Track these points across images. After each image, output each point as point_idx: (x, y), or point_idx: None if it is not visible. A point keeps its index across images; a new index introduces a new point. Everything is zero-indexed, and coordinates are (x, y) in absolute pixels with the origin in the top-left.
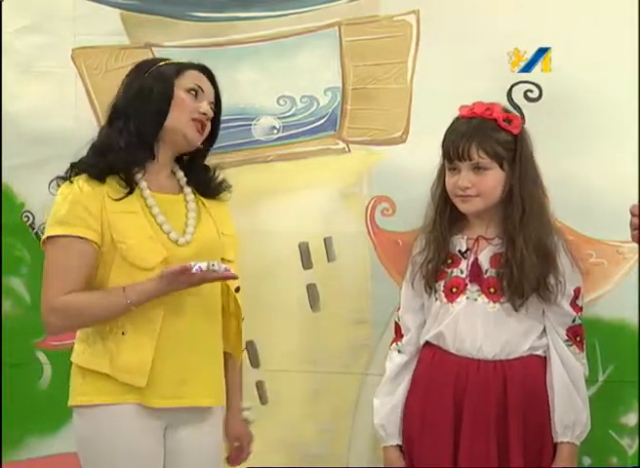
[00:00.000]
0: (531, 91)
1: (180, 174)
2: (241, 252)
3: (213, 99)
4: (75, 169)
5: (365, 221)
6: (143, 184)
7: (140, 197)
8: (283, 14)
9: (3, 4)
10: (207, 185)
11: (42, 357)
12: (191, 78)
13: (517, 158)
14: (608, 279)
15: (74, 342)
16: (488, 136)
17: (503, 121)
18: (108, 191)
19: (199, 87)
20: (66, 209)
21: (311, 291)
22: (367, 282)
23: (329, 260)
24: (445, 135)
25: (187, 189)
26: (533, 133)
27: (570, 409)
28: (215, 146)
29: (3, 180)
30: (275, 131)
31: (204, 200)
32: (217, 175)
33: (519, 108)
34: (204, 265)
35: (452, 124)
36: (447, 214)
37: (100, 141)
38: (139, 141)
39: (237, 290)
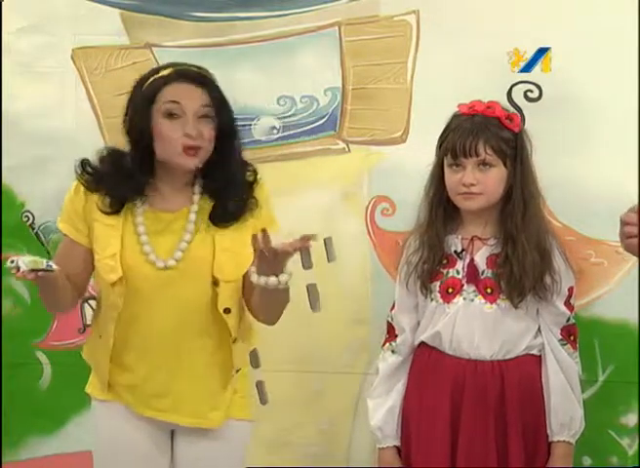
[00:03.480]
0: (531, 91)
1: (197, 190)
2: None
3: (204, 101)
4: (78, 169)
5: (365, 221)
6: (139, 202)
7: (130, 213)
8: (283, 14)
9: (3, 4)
10: (216, 213)
11: (42, 357)
12: (168, 96)
13: (518, 156)
14: (608, 279)
15: (74, 342)
16: (493, 132)
17: (505, 119)
18: (97, 199)
19: (176, 103)
20: (64, 206)
21: (311, 290)
22: (367, 282)
23: (329, 260)
24: (446, 132)
25: (195, 207)
26: (533, 133)
27: (566, 408)
28: None
29: (3, 180)
30: (275, 131)
31: None
32: (243, 195)
33: (519, 108)
34: (14, 262)
35: (451, 121)
36: (441, 214)
37: (103, 159)
38: (129, 176)
39: (226, 311)
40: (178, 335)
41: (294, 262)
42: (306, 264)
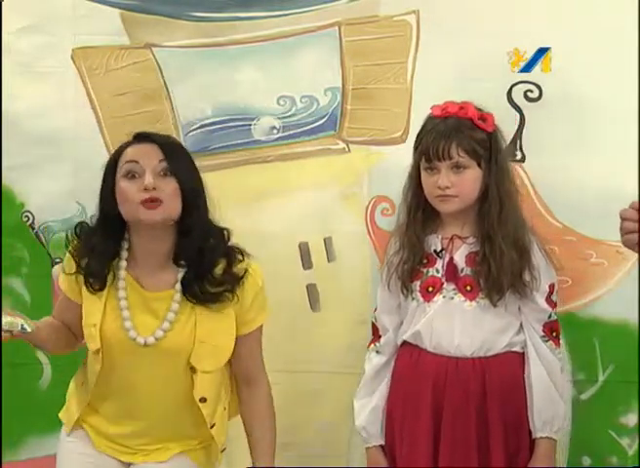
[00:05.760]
0: (531, 91)
1: (180, 271)
2: None
3: (162, 157)
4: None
5: (365, 221)
6: (122, 273)
7: (114, 285)
8: (283, 14)
9: (3, 4)
10: (196, 296)
11: (42, 357)
12: (127, 157)
13: (493, 155)
14: (608, 279)
15: None
16: (466, 134)
17: (479, 119)
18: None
19: (135, 162)
20: (64, 260)
21: (311, 290)
22: (367, 282)
23: (329, 260)
24: (420, 135)
25: (178, 286)
26: (533, 133)
27: (548, 405)
28: (215, 146)
29: (3, 180)
30: (275, 131)
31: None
32: (224, 278)
33: (519, 108)
34: None
35: (425, 124)
36: (420, 215)
37: (85, 238)
38: (100, 251)
39: (202, 400)
40: (151, 407)
41: (294, 262)
42: (306, 264)
